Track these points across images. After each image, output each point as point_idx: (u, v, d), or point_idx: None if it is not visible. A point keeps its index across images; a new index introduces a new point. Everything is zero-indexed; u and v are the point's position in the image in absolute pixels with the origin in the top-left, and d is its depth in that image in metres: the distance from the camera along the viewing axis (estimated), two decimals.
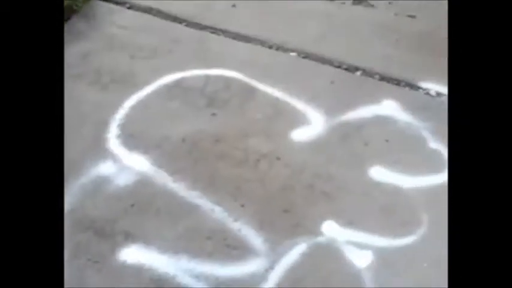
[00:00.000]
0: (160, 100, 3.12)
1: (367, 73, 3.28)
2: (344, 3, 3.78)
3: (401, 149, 2.92)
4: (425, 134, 2.97)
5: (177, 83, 3.19)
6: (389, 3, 3.77)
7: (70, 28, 3.53)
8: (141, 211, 2.68)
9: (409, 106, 3.09)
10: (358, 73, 3.29)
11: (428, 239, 2.60)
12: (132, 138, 2.94)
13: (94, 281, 2.49)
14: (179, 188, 2.76)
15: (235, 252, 2.56)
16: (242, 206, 2.70)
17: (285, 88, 3.18)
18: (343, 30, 3.59)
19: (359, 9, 3.74)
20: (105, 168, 2.82)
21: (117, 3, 3.69)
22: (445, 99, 3.11)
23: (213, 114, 3.07)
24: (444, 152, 2.88)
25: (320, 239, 2.60)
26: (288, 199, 2.74)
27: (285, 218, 2.67)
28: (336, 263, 2.53)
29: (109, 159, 2.85)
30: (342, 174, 2.82)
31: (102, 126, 2.99)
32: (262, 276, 2.49)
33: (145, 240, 2.60)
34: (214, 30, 3.56)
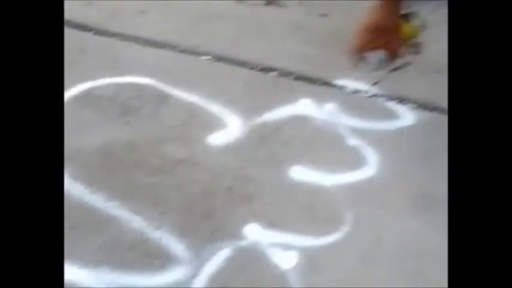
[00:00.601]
0: (71, 111, 3.01)
1: (283, 73, 3.26)
2: (255, 4, 3.75)
3: (320, 147, 2.91)
4: (344, 131, 2.95)
5: (88, 93, 3.11)
6: (301, 3, 3.76)
7: None
8: None
9: (326, 104, 3.07)
10: (273, 74, 3.26)
11: (352, 236, 2.57)
12: None
13: None
14: (96, 200, 2.67)
15: (158, 262, 2.49)
16: (162, 214, 2.63)
17: (200, 92, 3.12)
18: (256, 31, 3.56)
19: (271, 9, 3.72)
20: None
21: None
22: (362, 95, 3.12)
23: (127, 122, 2.99)
24: (364, 147, 2.88)
25: (243, 242, 2.55)
26: (208, 204, 2.68)
27: (206, 224, 2.61)
28: (260, 266, 2.49)
29: None
30: (262, 176, 2.78)
31: None
32: (187, 283, 2.42)
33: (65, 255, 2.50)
34: (124, 37, 3.48)
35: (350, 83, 3.16)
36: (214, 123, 3.00)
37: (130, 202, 2.66)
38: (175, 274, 2.45)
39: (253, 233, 2.58)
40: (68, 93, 3.10)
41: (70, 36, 3.42)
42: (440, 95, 3.03)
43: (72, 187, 2.70)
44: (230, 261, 2.49)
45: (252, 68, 3.27)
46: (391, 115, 3.02)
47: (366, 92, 3.12)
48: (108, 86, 3.15)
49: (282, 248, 2.53)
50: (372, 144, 2.88)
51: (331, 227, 2.60)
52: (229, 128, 2.98)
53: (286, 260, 2.50)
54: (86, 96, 3.11)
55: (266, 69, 3.26)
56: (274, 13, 3.69)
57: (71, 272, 2.44)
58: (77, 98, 3.10)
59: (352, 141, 2.91)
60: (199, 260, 2.49)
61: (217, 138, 2.94)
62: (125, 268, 2.46)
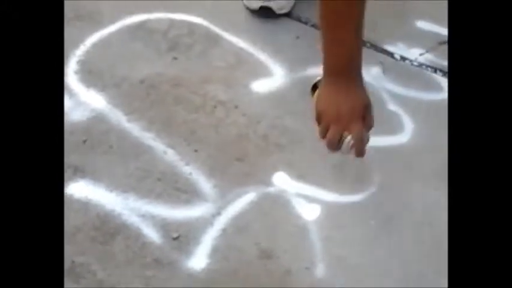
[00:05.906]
0: (122, 40, 3.08)
1: None
2: None
3: None
4: (385, 95, 2.97)
5: (141, 25, 3.15)
6: None
7: None
8: (92, 147, 2.67)
9: (372, 67, 3.08)
10: None
11: (377, 198, 2.62)
12: (90, 75, 2.91)
13: None
14: (133, 128, 2.75)
15: (184, 196, 2.56)
16: (195, 151, 2.69)
17: (250, 39, 3.15)
18: None
19: None
20: None
21: None
22: (409, 63, 3.12)
23: (175, 58, 3.04)
24: (402, 114, 2.89)
25: (270, 189, 2.61)
26: (241, 148, 2.74)
27: (236, 166, 2.67)
28: (283, 214, 2.55)
29: (65, 93, 2.82)
30: (298, 128, 2.81)
31: None
32: (209, 221, 2.49)
33: (94, 176, 2.59)
34: None
35: (398, 50, 3.16)
36: (259, 71, 3.03)
37: (166, 135, 2.74)
38: (199, 210, 2.53)
39: (281, 181, 2.64)
40: (123, 22, 3.15)
41: None
42: None
43: (112, 113, 2.78)
44: (254, 205, 2.56)
45: (304, 22, 3.28)
46: (434, 87, 3.03)
47: (413, 60, 3.12)
48: (161, 20, 3.18)
49: (307, 200, 2.59)
50: (410, 112, 2.90)
51: (358, 187, 2.65)
52: (274, 78, 3.01)
53: (308, 212, 2.56)
54: (140, 28, 3.15)
55: (318, 25, 3.27)
56: None
57: (99, 193, 2.53)
58: (130, 28, 3.14)
59: (392, 107, 2.92)
60: (224, 201, 2.55)
61: (260, 86, 2.97)
62: (152, 198, 2.54)
